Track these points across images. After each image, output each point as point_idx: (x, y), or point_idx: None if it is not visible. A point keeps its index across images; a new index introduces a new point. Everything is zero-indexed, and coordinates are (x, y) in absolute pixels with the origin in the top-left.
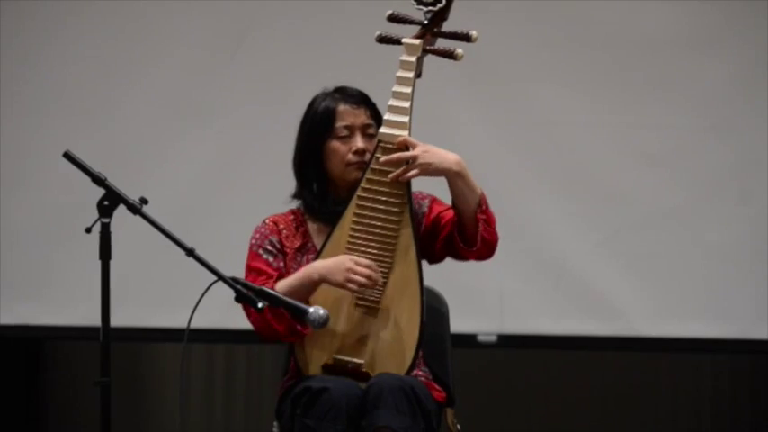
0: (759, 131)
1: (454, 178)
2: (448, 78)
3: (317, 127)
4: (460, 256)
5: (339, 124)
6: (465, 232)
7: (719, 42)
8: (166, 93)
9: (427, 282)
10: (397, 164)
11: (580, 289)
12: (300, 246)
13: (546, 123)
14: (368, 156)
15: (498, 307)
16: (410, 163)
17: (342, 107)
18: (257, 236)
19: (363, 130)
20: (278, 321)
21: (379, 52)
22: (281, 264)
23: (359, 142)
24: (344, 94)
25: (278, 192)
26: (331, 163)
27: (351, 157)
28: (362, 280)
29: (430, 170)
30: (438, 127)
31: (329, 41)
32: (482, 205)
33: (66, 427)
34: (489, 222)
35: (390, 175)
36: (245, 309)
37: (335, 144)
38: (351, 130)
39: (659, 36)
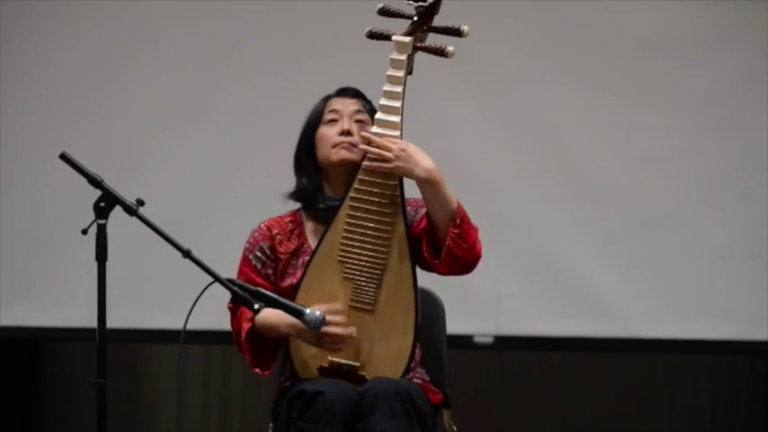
0: (759, 132)
1: (423, 185)
2: (446, 79)
3: (309, 122)
4: (429, 267)
5: (327, 112)
6: (437, 243)
7: (720, 42)
8: (163, 94)
9: (423, 282)
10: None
11: (577, 290)
12: (296, 249)
13: (544, 124)
14: (355, 138)
15: (495, 308)
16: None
17: (333, 99)
18: (251, 240)
19: (352, 116)
20: (248, 350)
21: (379, 51)
22: (270, 271)
23: (345, 124)
24: (340, 89)
25: (275, 193)
26: (320, 151)
27: (336, 138)
28: (335, 340)
29: (401, 170)
30: (436, 127)
31: (327, 41)
32: (456, 219)
33: (63, 428)
34: (463, 237)
35: (364, 164)
36: (230, 321)
37: (323, 129)
38: (339, 114)
39: (659, 36)
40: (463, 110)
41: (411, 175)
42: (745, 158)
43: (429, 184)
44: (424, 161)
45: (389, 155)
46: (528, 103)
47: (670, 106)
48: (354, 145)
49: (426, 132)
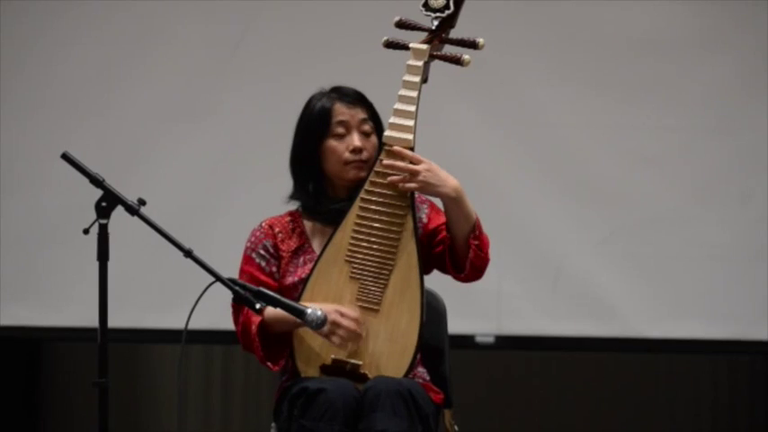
0: (759, 132)
1: (450, 204)
2: (447, 79)
3: (313, 127)
4: (445, 272)
5: (335, 123)
6: (455, 255)
7: (719, 42)
8: (165, 94)
9: (426, 282)
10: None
11: (578, 290)
12: (297, 247)
13: (545, 124)
14: (365, 154)
15: (496, 308)
16: (411, 175)
17: (337, 106)
18: (252, 239)
19: (359, 127)
20: (259, 344)
21: (379, 54)
22: (274, 268)
23: (356, 141)
24: (340, 93)
25: (276, 193)
26: (329, 162)
27: (348, 155)
28: (346, 335)
29: (427, 190)
30: (438, 128)
31: (328, 42)
32: (476, 230)
33: (65, 428)
34: (482, 247)
35: (389, 178)
36: (234, 318)
37: (332, 143)
38: (347, 128)
39: (659, 36)
40: (463, 110)
41: (438, 194)
42: (744, 158)
43: (455, 202)
44: (449, 179)
45: (416, 177)
46: (527, 104)
47: (669, 106)
48: (365, 161)
49: (426, 133)
